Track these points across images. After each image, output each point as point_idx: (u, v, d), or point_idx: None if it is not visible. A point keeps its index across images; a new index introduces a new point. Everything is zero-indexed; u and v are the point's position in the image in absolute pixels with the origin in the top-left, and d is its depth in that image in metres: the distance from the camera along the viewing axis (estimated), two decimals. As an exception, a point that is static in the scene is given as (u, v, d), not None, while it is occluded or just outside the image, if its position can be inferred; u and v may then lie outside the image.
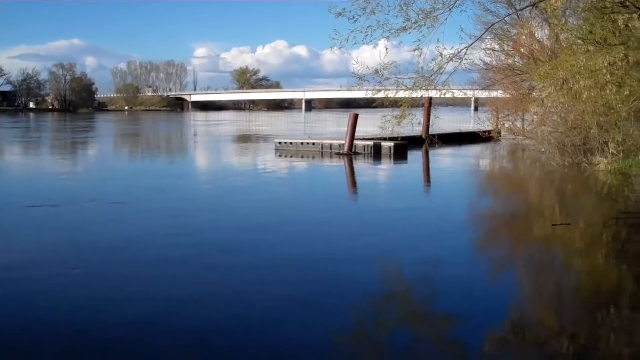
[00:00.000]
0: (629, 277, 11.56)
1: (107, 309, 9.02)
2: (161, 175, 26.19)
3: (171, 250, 12.50)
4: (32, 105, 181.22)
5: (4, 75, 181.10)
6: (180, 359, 7.50)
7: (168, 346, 7.78)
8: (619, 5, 14.73)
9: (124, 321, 8.60)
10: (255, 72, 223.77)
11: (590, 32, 16.68)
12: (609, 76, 18.14)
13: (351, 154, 33.52)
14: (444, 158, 35.23)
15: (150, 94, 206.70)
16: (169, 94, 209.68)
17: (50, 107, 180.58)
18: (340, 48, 18.83)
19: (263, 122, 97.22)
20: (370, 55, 20.31)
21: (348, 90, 25.03)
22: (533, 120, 33.86)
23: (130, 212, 17.32)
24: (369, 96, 21.56)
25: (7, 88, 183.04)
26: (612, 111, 20.30)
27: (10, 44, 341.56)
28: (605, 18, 15.89)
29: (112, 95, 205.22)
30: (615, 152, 23.94)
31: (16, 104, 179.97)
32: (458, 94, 23.46)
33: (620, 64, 17.74)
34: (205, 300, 9.49)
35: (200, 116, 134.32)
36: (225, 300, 9.52)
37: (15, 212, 16.82)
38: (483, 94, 50.17)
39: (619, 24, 15.39)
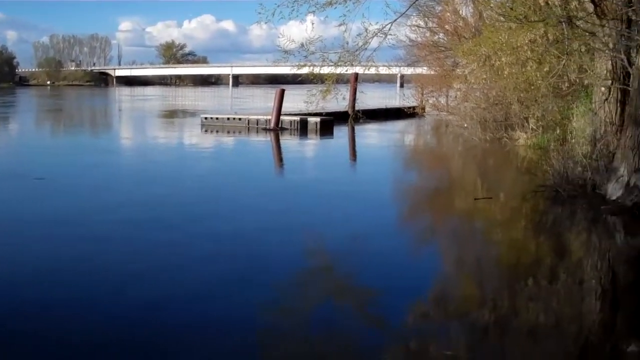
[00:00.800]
0: (546, 248, 11.92)
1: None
2: (86, 151, 25.68)
3: (97, 227, 12.29)
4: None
5: None
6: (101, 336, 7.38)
7: (95, 324, 7.63)
8: (539, -18, 15.00)
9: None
10: (182, 47, 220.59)
11: (512, 9, 16.92)
12: (529, 53, 18.47)
13: (277, 129, 33.46)
14: (370, 133, 35.56)
15: (73, 68, 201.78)
16: (93, 68, 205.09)
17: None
18: (266, 23, 18.71)
19: (189, 97, 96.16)
20: (298, 31, 20.26)
21: (274, 65, 24.94)
22: (456, 96, 34.38)
23: (56, 188, 16.94)
24: (294, 71, 21.50)
25: None
26: (532, 87, 20.67)
27: None
28: (526, -5, 16.15)
29: (33, 70, 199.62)
30: (534, 127, 24.51)
31: None
32: (382, 70, 23.67)
33: (540, 40, 18.09)
34: (131, 277, 9.37)
35: (125, 91, 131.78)
36: (153, 276, 9.41)
37: None
38: (408, 70, 50.62)
39: (539, 2, 15.66)
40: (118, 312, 7.93)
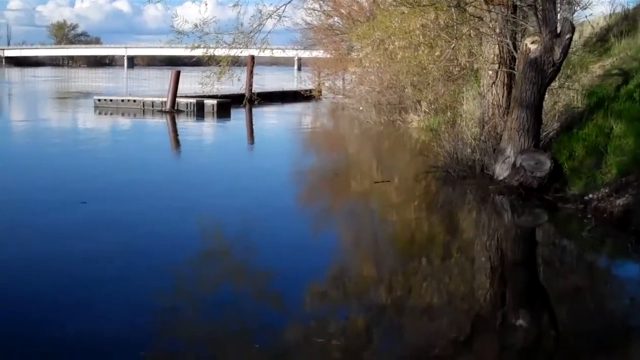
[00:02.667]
0: (438, 227, 12.29)
1: None
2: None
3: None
4: None
5: None
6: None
7: None
8: (430, -33, 15.34)
9: None
10: (74, 27, 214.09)
11: (404, -6, 17.23)
12: (421, 37, 18.93)
13: (173, 111, 33.04)
14: (267, 116, 35.58)
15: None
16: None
17: None
18: (158, 2, 18.47)
19: (83, 78, 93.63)
20: (195, 12, 20.07)
21: (169, 47, 24.61)
22: (352, 80, 34.79)
23: None
24: (189, 52, 21.29)
25: None
26: (425, 71, 21.17)
27: None
28: (417, -20, 16.48)
29: None
30: (427, 110, 25.08)
31: None
32: (278, 53, 23.69)
33: (431, 25, 18.56)
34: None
35: (15, 72, 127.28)
36: (35, 265, 9.19)
37: None
38: (305, 54, 50.88)
39: (430, -14, 16.01)
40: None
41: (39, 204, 12.77)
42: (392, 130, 25.75)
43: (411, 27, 18.58)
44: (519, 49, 14.60)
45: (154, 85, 59.91)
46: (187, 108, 33.84)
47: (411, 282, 8.90)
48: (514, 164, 13.51)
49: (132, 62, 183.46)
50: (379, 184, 15.89)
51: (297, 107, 41.40)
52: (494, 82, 16.18)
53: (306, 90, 41.91)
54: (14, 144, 22.99)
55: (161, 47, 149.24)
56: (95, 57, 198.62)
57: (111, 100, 36.76)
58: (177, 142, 24.99)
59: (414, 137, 24.01)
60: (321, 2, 38.10)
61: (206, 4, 19.20)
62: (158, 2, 18.22)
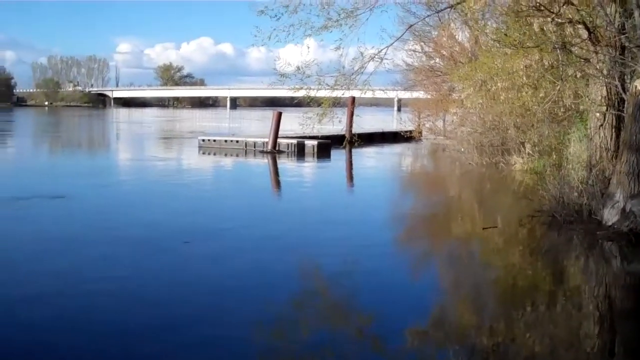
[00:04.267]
0: (543, 274, 11.94)
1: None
2: (92, 173, 25.73)
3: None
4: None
5: None
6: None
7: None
8: (534, 9, 15.12)
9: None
10: (179, 69, 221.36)
11: (506, 35, 17.06)
12: (525, 78, 18.61)
13: (275, 152, 33.55)
14: (367, 157, 35.63)
15: (71, 89, 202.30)
16: (91, 89, 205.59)
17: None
18: (262, 46, 18.85)
19: (187, 119, 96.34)
20: (295, 54, 20.38)
21: (271, 88, 24.99)
22: (453, 121, 34.55)
23: (74, 206, 17.34)
24: (291, 94, 21.63)
25: None
26: (528, 112, 20.85)
27: None
28: (521, 21, 16.29)
29: (31, 90, 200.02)
30: (531, 152, 24.61)
31: None
32: (379, 94, 23.77)
33: (535, 66, 18.21)
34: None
35: (123, 113, 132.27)
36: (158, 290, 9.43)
37: None
38: (405, 94, 50.92)
39: (534, 28, 15.80)
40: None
41: (147, 241, 13.14)
42: (494, 173, 25.36)
43: (514, 68, 18.31)
44: (627, 91, 14.19)
45: (255, 126, 61.10)
46: (288, 149, 34.29)
47: (514, 329, 8.66)
48: (623, 209, 13.07)
49: (235, 103, 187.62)
50: (487, 229, 15.48)
51: (397, 148, 41.36)
52: (601, 125, 15.72)
53: (406, 131, 41.84)
54: (123, 182, 23.76)
55: (263, 89, 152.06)
56: (199, 98, 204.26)
57: (215, 140, 37.67)
58: (278, 183, 25.30)
59: (517, 179, 23.56)
60: (422, 43, 38.15)
61: (308, 47, 19.44)
62: (262, 45, 18.59)
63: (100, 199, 18.98)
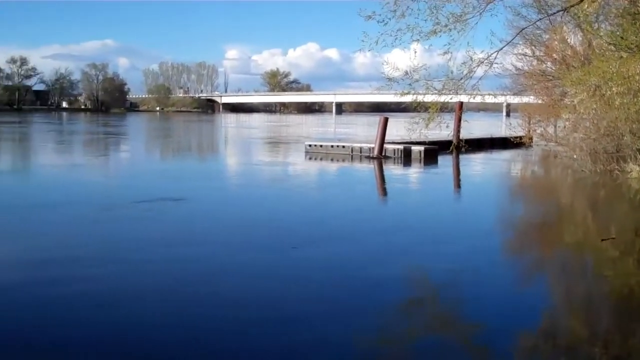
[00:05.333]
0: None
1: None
2: (205, 176, 26.47)
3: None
4: (64, 104, 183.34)
5: (38, 74, 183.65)
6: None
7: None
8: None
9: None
10: (286, 75, 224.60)
11: (622, 38, 16.52)
12: (642, 83, 17.99)
13: (381, 157, 33.48)
14: (475, 163, 35.07)
15: (181, 94, 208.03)
16: (200, 95, 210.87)
17: (83, 107, 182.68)
18: (369, 51, 18.90)
19: (293, 124, 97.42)
20: (402, 58, 20.33)
21: (378, 93, 24.83)
22: (565, 127, 33.56)
23: (195, 208, 17.97)
24: (397, 99, 21.56)
25: (41, 87, 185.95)
26: (645, 118, 20.11)
27: (43, 43, 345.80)
28: (638, 24, 15.75)
29: (143, 96, 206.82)
30: (648, 159, 23.69)
31: (49, 103, 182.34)
32: (488, 99, 23.45)
33: (653, 70, 17.58)
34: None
35: (231, 118, 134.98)
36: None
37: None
38: (515, 99, 49.91)
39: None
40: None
41: (259, 244, 13.37)
42: (609, 181, 24.50)
43: (630, 72, 17.73)
44: None
45: (361, 132, 61.15)
46: (394, 154, 34.17)
47: (630, 343, 8.33)
48: None
49: (340, 108, 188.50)
50: (606, 241, 14.94)
51: (506, 154, 40.54)
52: None
53: (516, 137, 40.92)
54: (235, 186, 24.26)
55: (369, 94, 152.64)
56: (305, 103, 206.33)
57: (321, 145, 37.93)
58: (385, 189, 25.23)
59: (633, 188, 22.70)
60: (533, 47, 37.29)
61: (415, 51, 19.34)
62: (369, 50, 18.62)
63: (217, 202, 19.78)
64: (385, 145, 34.20)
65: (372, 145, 34.46)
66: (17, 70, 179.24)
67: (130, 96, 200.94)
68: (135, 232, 14.79)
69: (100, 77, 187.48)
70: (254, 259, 12.15)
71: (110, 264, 11.54)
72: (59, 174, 27.15)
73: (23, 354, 7.60)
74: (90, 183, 24.10)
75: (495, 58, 18.94)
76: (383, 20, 17.85)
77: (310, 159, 35.01)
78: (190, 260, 11.91)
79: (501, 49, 19.97)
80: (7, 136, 58.00)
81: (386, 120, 33.77)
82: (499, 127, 60.52)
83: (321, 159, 34.41)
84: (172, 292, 9.94)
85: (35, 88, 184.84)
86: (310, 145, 38.28)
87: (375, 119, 35.96)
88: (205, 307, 9.23)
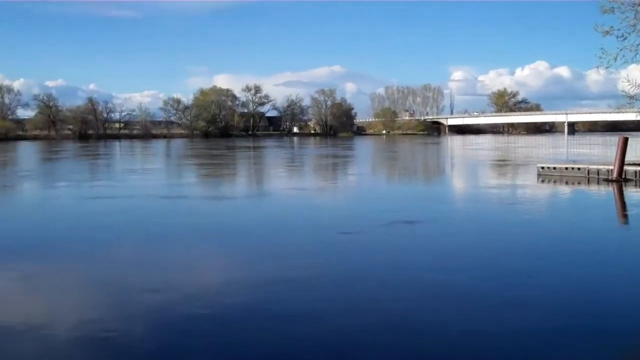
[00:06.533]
0: None
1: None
2: (433, 199, 25.97)
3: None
4: (295, 129, 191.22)
5: (270, 101, 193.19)
6: None
7: None
8: None
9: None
10: (514, 94, 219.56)
11: None
12: None
13: (620, 180, 31.19)
14: None
15: (407, 117, 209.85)
16: (426, 117, 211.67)
17: (312, 132, 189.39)
18: (606, 67, 17.73)
19: (522, 145, 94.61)
20: (640, 74, 18.84)
21: (616, 112, 23.18)
22: None
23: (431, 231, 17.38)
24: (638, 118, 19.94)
25: (273, 113, 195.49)
26: None
27: (275, 72, 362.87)
28: None
29: (370, 120, 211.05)
30: None
31: (281, 128, 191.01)
32: None
33: None
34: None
35: (457, 139, 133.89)
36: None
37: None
38: None
39: None
40: None
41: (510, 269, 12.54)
42: None
43: None
44: None
45: (597, 152, 58.00)
46: (635, 176, 31.70)
47: None
48: None
49: (573, 128, 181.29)
50: None
51: None
52: None
53: None
54: (465, 209, 23.46)
55: (606, 112, 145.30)
56: (535, 123, 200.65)
57: (554, 167, 36.18)
58: (626, 215, 23.24)
59: None
60: None
61: (655, 66, 17.75)
62: (607, 67, 17.34)
63: (452, 224, 19.38)
64: (625, 167, 31.84)
65: (611, 167, 32.23)
66: (252, 97, 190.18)
67: (357, 120, 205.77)
68: (381, 255, 14.53)
69: (329, 103, 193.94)
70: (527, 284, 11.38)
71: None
72: (293, 198, 27.67)
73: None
74: (321, 207, 24.48)
75: None
76: (622, 35, 16.70)
77: (542, 181, 33.35)
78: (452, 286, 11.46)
79: None
80: (244, 160, 61.16)
81: (626, 140, 31.44)
82: None
83: (554, 182, 32.65)
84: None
85: (268, 114, 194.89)
86: (542, 168, 36.60)
87: (612, 139, 33.90)
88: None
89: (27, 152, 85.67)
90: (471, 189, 32.05)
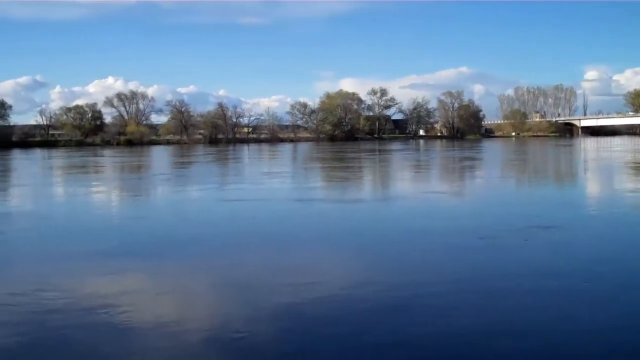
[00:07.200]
0: None
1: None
2: (565, 203, 25.28)
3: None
4: (421, 132, 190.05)
5: (397, 104, 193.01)
6: None
7: None
8: None
9: None
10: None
11: None
12: None
13: None
14: None
15: (537, 119, 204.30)
16: (557, 119, 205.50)
17: (439, 134, 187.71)
18: None
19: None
20: None
21: None
22: None
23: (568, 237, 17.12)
24: None
25: (399, 116, 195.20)
26: None
27: (401, 74, 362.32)
28: None
29: (498, 122, 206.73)
30: None
31: (407, 131, 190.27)
32: None
33: None
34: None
35: (591, 142, 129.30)
36: None
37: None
38: None
39: None
40: None
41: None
42: None
43: None
44: None
45: None
46: None
47: None
48: None
49: None
50: None
51: None
52: None
53: None
54: (600, 215, 22.64)
55: None
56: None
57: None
58: None
59: None
60: None
61: None
62: None
63: (590, 230, 18.65)
64: None
65: None
66: (377, 101, 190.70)
67: (485, 122, 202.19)
68: (526, 261, 14.10)
69: (456, 105, 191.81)
70: None
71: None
72: (425, 201, 27.56)
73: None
74: (450, 209, 24.33)
75: None
76: None
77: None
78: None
79: None
80: (371, 163, 61.51)
81: None
82: None
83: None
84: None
85: (394, 117, 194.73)
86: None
87: None
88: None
89: (161, 156, 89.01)
90: (608, 193, 30.88)
